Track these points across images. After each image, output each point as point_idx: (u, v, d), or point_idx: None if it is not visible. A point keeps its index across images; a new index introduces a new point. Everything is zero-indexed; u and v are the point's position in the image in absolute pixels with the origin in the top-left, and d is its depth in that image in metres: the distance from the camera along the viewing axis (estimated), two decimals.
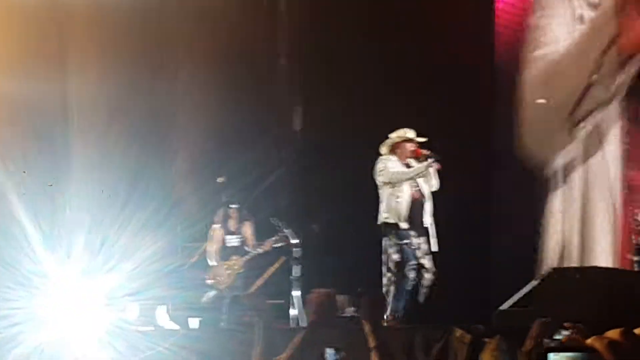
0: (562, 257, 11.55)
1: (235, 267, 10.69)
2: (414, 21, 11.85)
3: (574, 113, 11.51)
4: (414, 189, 9.66)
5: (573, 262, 11.34)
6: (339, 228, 11.46)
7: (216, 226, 10.81)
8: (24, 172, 10.45)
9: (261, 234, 10.90)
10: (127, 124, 12.37)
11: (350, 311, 9.37)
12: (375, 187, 9.97)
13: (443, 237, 9.78)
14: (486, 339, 5.28)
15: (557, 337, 5.42)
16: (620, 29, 11.27)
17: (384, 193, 9.71)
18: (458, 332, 8.37)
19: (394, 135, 9.81)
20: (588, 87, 11.36)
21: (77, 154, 12.28)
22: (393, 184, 9.64)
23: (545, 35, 11.83)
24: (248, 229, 10.76)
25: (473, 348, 7.93)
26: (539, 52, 11.86)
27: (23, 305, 8.92)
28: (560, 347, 3.34)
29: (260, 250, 10.66)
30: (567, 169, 11.67)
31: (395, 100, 11.39)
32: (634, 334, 4.44)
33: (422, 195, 9.71)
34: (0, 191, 10.95)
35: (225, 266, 10.71)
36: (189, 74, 12.61)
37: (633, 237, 10.31)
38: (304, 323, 10.18)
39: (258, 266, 11.20)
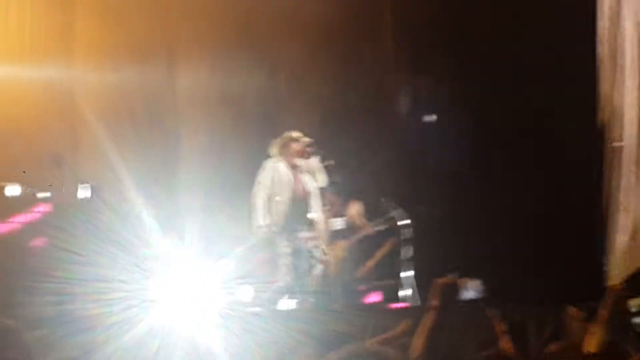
0: None
1: (339, 252, 10.67)
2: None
3: None
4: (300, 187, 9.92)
5: None
6: (448, 210, 11.42)
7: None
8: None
9: (370, 215, 10.88)
10: (235, 109, 12.53)
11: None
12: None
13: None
14: None
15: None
16: None
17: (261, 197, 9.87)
18: (571, 310, 8.29)
19: (279, 139, 10.05)
20: None
21: (187, 141, 12.49)
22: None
23: None
24: (354, 211, 10.75)
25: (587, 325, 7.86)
26: None
27: (139, 287, 9.14)
28: None
29: (363, 234, 10.63)
30: None
31: (501, 81, 11.30)
32: None
33: (307, 193, 9.91)
34: (117, 178, 11.23)
35: (330, 250, 10.69)
36: (295, 58, 12.69)
37: None
38: (415, 303, 10.20)
39: (367, 248, 11.23)
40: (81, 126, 12.18)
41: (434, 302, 4.10)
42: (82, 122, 12.16)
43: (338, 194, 10.79)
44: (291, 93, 12.82)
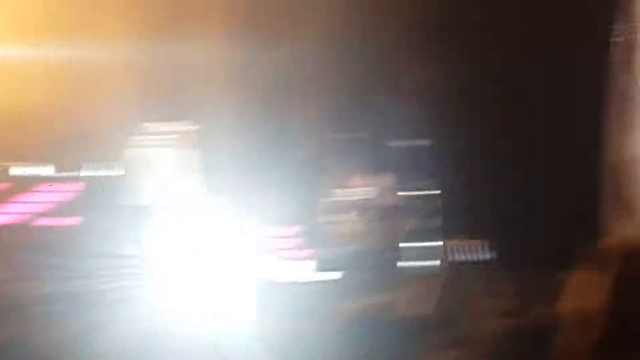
0: None
1: (366, 223, 10.65)
2: None
3: None
4: None
5: None
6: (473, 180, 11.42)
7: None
8: None
9: (399, 187, 10.83)
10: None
11: None
12: None
13: None
14: None
15: None
16: None
17: None
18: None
19: None
20: None
21: None
22: None
23: None
24: (382, 183, 10.68)
25: None
26: None
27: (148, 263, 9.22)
28: None
29: (390, 205, 10.58)
30: None
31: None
32: None
33: None
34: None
35: (350, 219, 10.69)
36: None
37: None
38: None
39: (396, 220, 11.16)
40: (106, 103, 12.25)
41: (444, 264, 4.14)
42: (107, 98, 12.23)
43: (367, 168, 10.74)
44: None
